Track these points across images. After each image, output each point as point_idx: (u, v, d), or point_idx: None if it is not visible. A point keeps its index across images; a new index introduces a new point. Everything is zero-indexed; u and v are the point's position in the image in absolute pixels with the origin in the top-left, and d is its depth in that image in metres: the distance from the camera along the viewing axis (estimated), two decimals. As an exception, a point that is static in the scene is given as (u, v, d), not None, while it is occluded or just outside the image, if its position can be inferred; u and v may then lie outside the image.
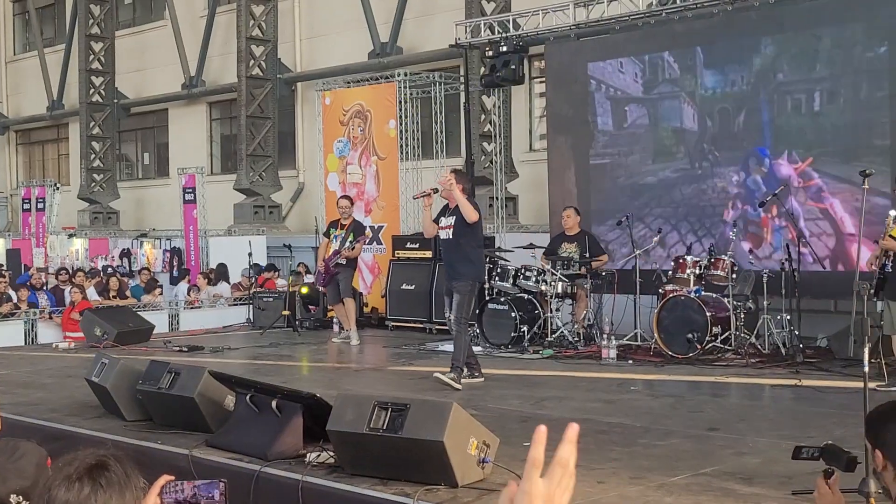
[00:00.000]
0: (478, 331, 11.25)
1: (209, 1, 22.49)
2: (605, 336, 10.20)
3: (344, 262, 11.78)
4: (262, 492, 5.50)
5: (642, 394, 8.31)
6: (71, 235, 22.04)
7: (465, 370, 8.53)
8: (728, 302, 9.91)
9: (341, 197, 12.67)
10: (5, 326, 13.08)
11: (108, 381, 7.21)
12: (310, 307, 13.92)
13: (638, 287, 10.72)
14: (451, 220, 8.49)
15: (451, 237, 8.52)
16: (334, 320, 12.98)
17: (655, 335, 10.05)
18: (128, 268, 19.62)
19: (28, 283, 16.01)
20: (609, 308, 10.93)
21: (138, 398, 7.09)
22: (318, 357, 11.34)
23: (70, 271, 17.12)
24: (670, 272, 10.36)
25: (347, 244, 11.65)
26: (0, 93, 29.27)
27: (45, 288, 15.71)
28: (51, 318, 13.57)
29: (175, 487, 2.39)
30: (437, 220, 8.64)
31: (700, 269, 10.15)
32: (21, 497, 2.87)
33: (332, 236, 12.03)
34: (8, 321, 13.25)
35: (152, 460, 5.91)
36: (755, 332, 9.96)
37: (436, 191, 8.64)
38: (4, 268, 17.68)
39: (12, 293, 14.51)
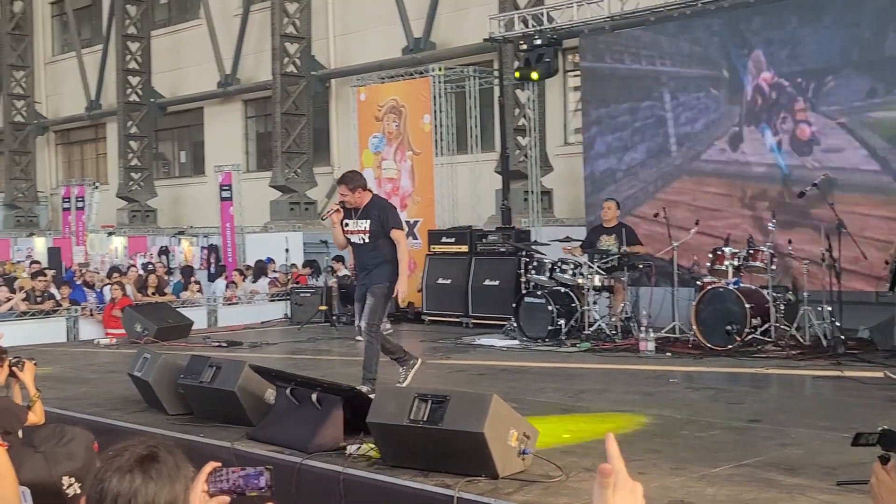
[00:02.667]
0: (515, 324, 11.25)
1: (243, -1, 22.66)
2: (642, 329, 10.16)
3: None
4: (304, 484, 5.53)
5: (681, 386, 8.26)
6: (110, 234, 22.32)
7: (400, 367, 8.01)
8: (767, 293, 9.81)
9: None
10: (48, 323, 13.29)
11: (150, 376, 7.29)
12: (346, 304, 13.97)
13: (676, 279, 10.65)
14: (365, 223, 7.84)
15: (366, 241, 7.86)
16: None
17: (694, 327, 9.96)
18: (167, 265, 19.83)
19: (81, 281, 16.22)
20: (647, 301, 10.88)
21: (180, 392, 7.15)
22: (355, 352, 11.37)
23: (122, 271, 17.33)
24: (708, 264, 10.29)
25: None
26: (39, 94, 29.66)
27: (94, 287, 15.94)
28: (92, 314, 13.75)
29: (221, 476, 2.39)
30: (343, 223, 7.92)
31: (738, 261, 10.06)
32: (73, 479, 2.90)
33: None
34: (50, 318, 13.46)
35: (195, 453, 5.93)
36: (795, 323, 9.83)
37: (342, 205, 7.96)
38: (46, 266, 17.92)
39: (55, 291, 14.72)
